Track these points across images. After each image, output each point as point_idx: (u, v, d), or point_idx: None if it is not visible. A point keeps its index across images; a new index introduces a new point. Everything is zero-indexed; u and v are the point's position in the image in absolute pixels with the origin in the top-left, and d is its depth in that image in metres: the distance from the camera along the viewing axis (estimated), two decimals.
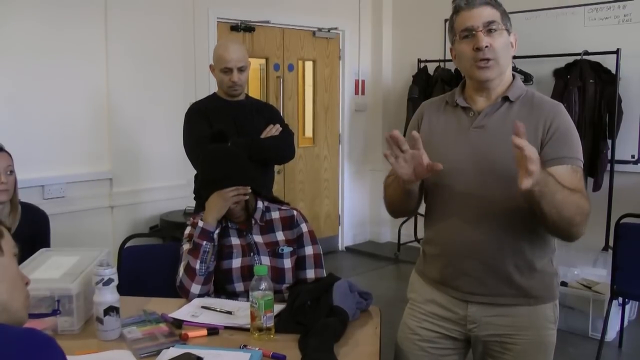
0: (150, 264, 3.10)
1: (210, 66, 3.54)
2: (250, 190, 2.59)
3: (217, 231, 2.55)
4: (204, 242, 2.51)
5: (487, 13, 1.97)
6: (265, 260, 2.56)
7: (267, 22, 5.99)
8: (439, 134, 2.14)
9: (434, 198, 2.16)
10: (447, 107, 2.16)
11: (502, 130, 1.98)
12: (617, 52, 4.99)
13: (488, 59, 1.97)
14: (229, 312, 2.31)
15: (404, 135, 2.03)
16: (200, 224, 2.54)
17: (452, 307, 2.13)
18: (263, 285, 2.11)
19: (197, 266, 2.49)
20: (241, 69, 3.43)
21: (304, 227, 2.67)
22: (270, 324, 2.12)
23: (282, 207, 2.72)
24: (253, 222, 2.63)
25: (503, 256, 2.01)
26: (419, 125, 2.23)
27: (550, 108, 2.01)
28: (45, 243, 3.13)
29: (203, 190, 2.62)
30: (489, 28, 1.96)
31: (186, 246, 2.60)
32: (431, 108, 2.23)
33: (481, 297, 2.06)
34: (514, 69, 5.41)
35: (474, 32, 1.97)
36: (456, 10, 2.03)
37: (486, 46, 1.95)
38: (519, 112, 2.01)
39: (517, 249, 2.01)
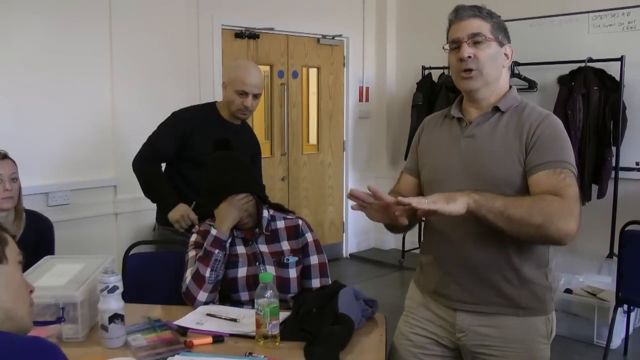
0: (155, 271, 3.10)
1: (224, 83, 3.49)
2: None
3: (229, 240, 2.55)
4: (217, 251, 2.51)
5: (474, 25, 2.02)
6: (271, 269, 2.55)
7: (272, 29, 6.00)
8: (433, 145, 2.21)
9: None
10: (445, 120, 2.22)
11: (490, 140, 2.04)
12: (621, 59, 4.99)
13: (471, 69, 2.02)
14: (234, 320, 2.31)
15: (408, 147, 2.07)
16: (213, 232, 2.53)
17: (441, 313, 2.15)
18: (268, 293, 2.11)
19: (207, 274, 2.48)
20: (256, 96, 3.42)
21: (309, 237, 2.67)
22: (276, 331, 2.12)
23: (288, 216, 2.72)
24: (258, 231, 2.63)
25: (491, 265, 2.03)
26: (419, 139, 2.30)
27: (537, 116, 2.02)
28: (50, 250, 3.13)
29: (210, 197, 2.61)
30: (474, 40, 2.01)
31: (192, 253, 2.60)
32: (430, 123, 2.29)
33: (469, 306, 2.07)
34: (518, 76, 5.47)
35: (459, 44, 2.03)
36: (449, 24, 2.10)
37: (469, 56, 2.00)
38: (507, 122, 2.04)
39: (506, 258, 2.02)
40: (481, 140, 2.06)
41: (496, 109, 2.06)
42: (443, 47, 2.11)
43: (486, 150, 2.03)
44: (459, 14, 2.06)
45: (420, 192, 2.24)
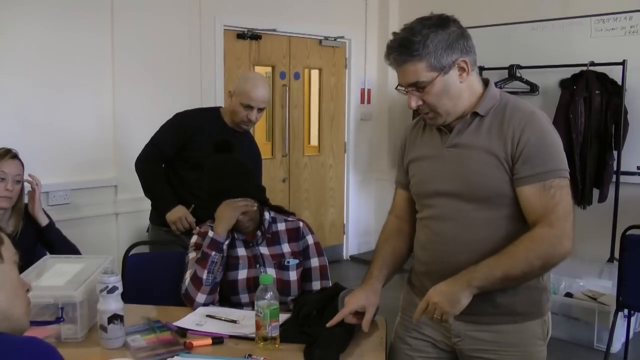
0: (154, 271, 3.09)
1: (230, 92, 3.51)
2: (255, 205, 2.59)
3: (226, 242, 2.54)
4: (213, 253, 2.49)
5: (408, 72, 1.91)
6: (271, 272, 2.55)
7: (274, 30, 6.00)
8: (419, 158, 2.14)
9: (420, 219, 2.17)
10: (426, 130, 2.14)
11: (474, 148, 1.96)
12: (623, 63, 4.98)
13: (427, 112, 1.98)
14: (234, 321, 2.31)
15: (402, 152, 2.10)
16: (210, 234, 2.52)
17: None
18: (268, 295, 2.10)
19: (204, 276, 2.48)
20: (261, 109, 3.46)
21: (310, 239, 2.67)
22: (276, 333, 2.11)
23: (289, 219, 2.71)
24: (259, 233, 2.62)
25: None
26: (404, 152, 2.23)
27: (520, 120, 1.91)
28: None
29: (210, 201, 2.60)
30: (415, 87, 1.93)
31: (192, 254, 2.59)
32: (412, 133, 2.22)
33: (465, 316, 2.01)
34: (520, 79, 5.47)
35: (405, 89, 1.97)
36: None
37: (419, 104, 1.95)
38: (489, 126, 1.96)
39: None
40: (464, 149, 1.98)
41: (475, 114, 1.97)
42: (396, 88, 2.03)
43: (471, 161, 1.96)
44: (389, 60, 1.94)
45: (414, 205, 2.21)
